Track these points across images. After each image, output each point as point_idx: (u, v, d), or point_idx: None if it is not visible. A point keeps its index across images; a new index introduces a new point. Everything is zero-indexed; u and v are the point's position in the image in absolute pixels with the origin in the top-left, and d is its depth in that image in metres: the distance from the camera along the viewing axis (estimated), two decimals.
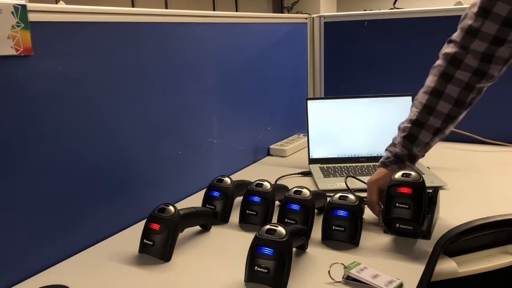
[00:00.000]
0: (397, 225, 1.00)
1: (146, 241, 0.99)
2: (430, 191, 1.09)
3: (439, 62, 1.07)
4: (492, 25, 0.96)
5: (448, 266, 1.00)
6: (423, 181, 1.00)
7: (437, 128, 1.07)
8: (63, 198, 1.00)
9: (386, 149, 1.14)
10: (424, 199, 0.99)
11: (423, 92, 1.09)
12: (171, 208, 1.00)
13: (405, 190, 0.99)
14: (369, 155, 1.57)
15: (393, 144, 1.13)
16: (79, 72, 1.01)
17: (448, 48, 1.05)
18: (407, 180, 1.00)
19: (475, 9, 0.99)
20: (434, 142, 1.10)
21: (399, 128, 1.13)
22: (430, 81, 1.08)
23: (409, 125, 1.09)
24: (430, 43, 1.81)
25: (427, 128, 1.07)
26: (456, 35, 1.04)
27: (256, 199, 1.13)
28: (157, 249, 0.98)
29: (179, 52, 1.29)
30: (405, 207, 0.98)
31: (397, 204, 0.99)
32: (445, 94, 1.05)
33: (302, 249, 1.00)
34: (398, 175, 1.02)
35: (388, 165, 1.11)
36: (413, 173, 1.01)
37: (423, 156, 1.12)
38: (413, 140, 1.09)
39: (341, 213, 1.03)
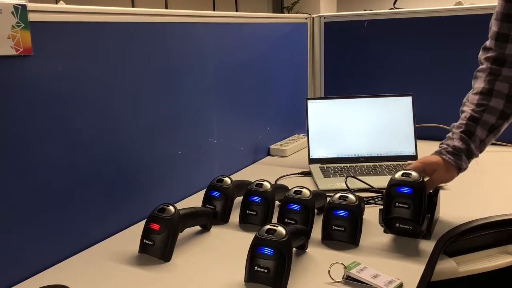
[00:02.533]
0: (397, 225, 1.00)
1: (146, 241, 0.99)
2: (431, 191, 1.09)
3: (482, 66, 1.10)
4: None
5: (448, 266, 1.00)
6: (423, 181, 1.00)
7: (492, 125, 1.07)
8: (62, 198, 1.00)
9: (442, 143, 1.12)
10: (424, 199, 0.99)
11: (472, 94, 1.10)
12: (171, 208, 1.00)
13: (405, 189, 0.99)
14: (369, 155, 1.57)
15: (450, 138, 1.11)
16: (79, 72, 1.01)
17: (487, 54, 1.09)
18: (407, 180, 1.00)
19: (496, 16, 1.05)
20: (489, 140, 1.09)
21: (452, 128, 1.12)
22: (478, 82, 1.10)
23: (464, 121, 1.09)
24: (430, 43, 1.83)
25: (483, 124, 1.07)
26: (489, 43, 1.09)
27: (256, 199, 1.13)
28: (157, 249, 0.98)
29: (179, 52, 1.29)
30: (405, 207, 0.98)
31: (397, 204, 0.99)
32: (496, 91, 1.06)
33: (302, 249, 1.00)
34: (398, 174, 1.02)
35: (444, 154, 1.08)
36: (413, 173, 1.01)
37: (477, 155, 1.10)
38: (470, 136, 1.08)
39: (341, 213, 1.03)
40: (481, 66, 1.11)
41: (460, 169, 1.08)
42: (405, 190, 0.99)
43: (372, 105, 1.58)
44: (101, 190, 1.09)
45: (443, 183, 1.12)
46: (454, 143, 1.09)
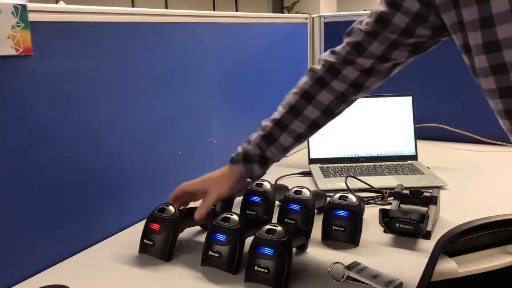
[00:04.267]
0: (397, 225, 1.00)
1: (146, 241, 0.99)
2: (431, 191, 1.10)
3: (317, 66, 1.00)
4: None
5: (448, 266, 1.00)
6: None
7: (300, 134, 1.01)
8: (62, 198, 1.00)
9: (241, 145, 1.06)
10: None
11: (294, 93, 1.02)
12: (171, 208, 1.00)
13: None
14: (369, 155, 1.57)
15: (247, 141, 1.05)
16: (79, 72, 1.01)
17: (328, 57, 0.98)
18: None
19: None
20: (292, 148, 1.04)
21: (260, 125, 1.05)
22: (303, 83, 1.01)
23: (271, 124, 1.02)
24: None
25: (289, 132, 1.01)
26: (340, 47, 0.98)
27: (256, 199, 1.13)
28: (157, 249, 0.98)
29: (179, 52, 1.29)
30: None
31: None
32: (316, 100, 0.99)
33: (302, 249, 1.00)
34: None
35: (235, 162, 1.03)
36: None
37: (277, 161, 1.05)
38: (271, 142, 1.02)
39: (341, 213, 1.03)
40: (315, 66, 1.01)
41: (252, 176, 1.04)
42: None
43: (372, 105, 1.58)
44: (101, 190, 1.09)
45: (233, 191, 1.08)
46: (248, 148, 1.04)
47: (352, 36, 0.95)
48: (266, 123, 1.04)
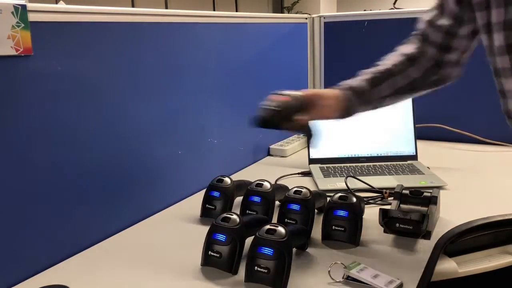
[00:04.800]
0: (397, 225, 1.00)
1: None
2: (431, 191, 1.10)
3: (416, 32, 1.10)
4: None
5: (448, 266, 1.00)
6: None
7: (400, 87, 1.06)
8: (62, 198, 1.00)
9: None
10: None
11: (396, 54, 1.11)
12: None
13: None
14: (369, 155, 1.57)
15: (351, 80, 1.09)
16: (79, 72, 1.01)
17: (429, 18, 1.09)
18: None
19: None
20: (388, 101, 1.08)
21: (360, 73, 1.10)
22: (407, 47, 1.11)
23: (376, 70, 1.09)
24: None
25: (391, 82, 1.06)
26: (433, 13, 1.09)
27: (256, 199, 1.13)
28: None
29: (179, 52, 1.29)
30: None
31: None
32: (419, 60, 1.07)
33: (302, 249, 1.00)
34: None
35: (339, 87, 1.06)
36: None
37: (372, 108, 1.08)
38: (374, 84, 1.06)
39: (341, 213, 1.03)
40: (416, 32, 1.11)
41: (350, 106, 1.04)
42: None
43: None
44: (101, 190, 1.09)
45: (329, 115, 1.06)
46: (352, 83, 1.06)
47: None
48: (370, 70, 1.08)
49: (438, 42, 1.04)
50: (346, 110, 1.05)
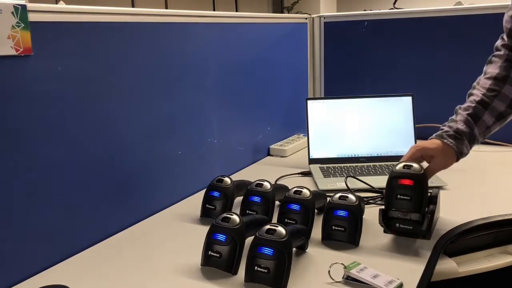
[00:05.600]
0: (397, 225, 1.00)
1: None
2: (431, 191, 1.09)
3: (498, 52, 1.06)
4: None
5: (448, 266, 1.00)
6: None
7: (501, 113, 1.04)
8: (62, 198, 1.00)
9: (444, 125, 1.08)
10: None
11: (484, 78, 1.06)
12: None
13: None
14: (369, 155, 1.57)
15: (453, 121, 1.07)
16: (79, 72, 1.01)
17: (505, 41, 1.06)
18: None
19: (510, 13, 1.03)
20: (494, 128, 1.07)
21: (457, 110, 1.08)
22: (492, 67, 1.06)
23: (473, 104, 1.05)
24: (430, 43, 1.83)
25: (491, 110, 1.04)
26: (504, 38, 1.07)
27: (256, 199, 1.13)
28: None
29: (179, 52, 1.29)
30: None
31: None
32: (511, 78, 1.03)
33: (302, 249, 1.00)
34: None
35: (445, 138, 1.04)
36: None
37: (481, 141, 1.07)
38: (476, 120, 1.04)
39: (341, 213, 1.03)
40: (497, 52, 1.07)
41: (461, 153, 1.04)
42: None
43: (372, 105, 1.58)
44: (101, 190, 1.09)
45: (442, 169, 1.07)
46: (457, 125, 1.05)
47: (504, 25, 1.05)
48: (466, 104, 1.07)
49: None
50: (457, 157, 1.06)
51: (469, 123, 1.05)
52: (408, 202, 0.97)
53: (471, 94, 1.08)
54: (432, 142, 1.06)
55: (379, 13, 1.92)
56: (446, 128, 1.06)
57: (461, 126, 1.05)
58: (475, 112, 1.05)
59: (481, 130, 1.05)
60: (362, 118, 1.58)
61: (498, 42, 1.09)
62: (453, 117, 1.08)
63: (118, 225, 1.14)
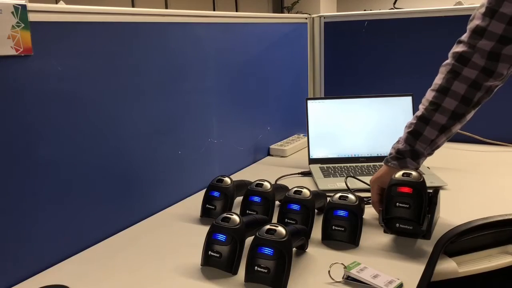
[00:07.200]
0: (397, 225, 1.00)
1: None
2: (430, 191, 1.09)
3: (447, 61, 1.08)
4: (499, 24, 0.98)
5: (448, 266, 1.00)
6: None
7: (443, 125, 1.07)
8: (62, 198, 1.00)
9: (392, 147, 1.14)
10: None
11: (430, 90, 1.09)
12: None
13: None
14: (369, 155, 1.57)
15: (397, 141, 1.13)
16: (79, 72, 1.01)
17: (456, 48, 1.06)
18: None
19: (482, 10, 1.01)
20: (441, 141, 1.09)
21: (406, 126, 1.13)
22: (438, 78, 1.09)
23: (415, 121, 1.10)
24: (430, 43, 1.83)
25: (432, 124, 1.07)
26: (464, 36, 1.06)
27: (256, 199, 1.13)
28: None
29: (179, 52, 1.29)
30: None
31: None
32: (452, 91, 1.05)
33: (302, 249, 1.00)
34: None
35: (389, 161, 1.11)
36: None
37: (429, 154, 1.11)
38: (417, 136, 1.09)
39: (341, 213, 1.03)
40: (446, 61, 1.09)
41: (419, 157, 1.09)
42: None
43: (372, 105, 1.58)
44: (101, 190, 1.09)
45: None
46: (398, 146, 1.11)
47: (472, 21, 1.03)
48: (410, 121, 1.11)
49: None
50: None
51: (409, 140, 1.10)
52: (407, 210, 0.98)
53: (418, 108, 1.11)
54: (382, 169, 1.12)
55: (379, 13, 1.92)
56: (391, 151, 1.13)
57: (401, 146, 1.10)
58: (416, 129, 1.09)
59: (426, 144, 1.09)
60: (362, 118, 1.58)
61: (452, 49, 1.09)
62: (401, 135, 1.13)
63: (118, 225, 1.14)
